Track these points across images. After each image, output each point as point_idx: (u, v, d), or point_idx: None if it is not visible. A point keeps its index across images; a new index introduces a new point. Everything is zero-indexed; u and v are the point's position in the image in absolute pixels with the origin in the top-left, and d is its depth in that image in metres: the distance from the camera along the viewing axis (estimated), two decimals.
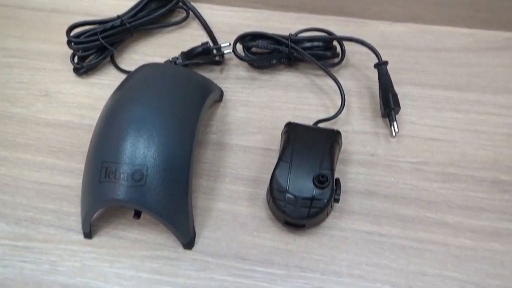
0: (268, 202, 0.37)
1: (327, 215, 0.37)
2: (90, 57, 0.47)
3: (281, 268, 0.36)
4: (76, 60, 0.47)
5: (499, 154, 0.42)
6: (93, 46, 0.46)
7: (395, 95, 0.42)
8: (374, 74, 0.46)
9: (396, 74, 0.46)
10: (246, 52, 0.46)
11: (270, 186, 0.36)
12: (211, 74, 0.47)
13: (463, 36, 0.50)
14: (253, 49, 0.47)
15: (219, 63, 0.47)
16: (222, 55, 0.47)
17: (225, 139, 0.43)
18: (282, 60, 0.46)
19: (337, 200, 0.36)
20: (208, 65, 0.47)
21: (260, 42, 0.45)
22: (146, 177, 0.33)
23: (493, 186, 0.40)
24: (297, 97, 0.46)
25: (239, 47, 0.46)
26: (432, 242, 0.37)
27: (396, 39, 0.50)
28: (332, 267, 0.36)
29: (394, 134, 0.42)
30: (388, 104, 0.42)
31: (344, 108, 0.43)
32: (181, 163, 0.35)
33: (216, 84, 0.44)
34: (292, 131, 0.39)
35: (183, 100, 0.38)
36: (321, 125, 0.42)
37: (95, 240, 0.38)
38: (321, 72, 0.47)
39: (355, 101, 0.45)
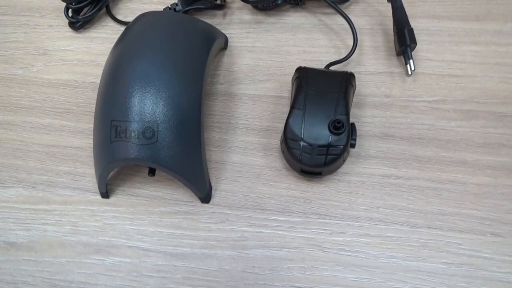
0: (283, 152, 0.37)
1: (344, 161, 0.36)
2: (85, 9, 0.45)
3: (300, 216, 0.36)
4: (70, 13, 0.44)
5: None
6: None
7: (411, 30, 0.40)
8: (386, 9, 0.43)
9: (410, 6, 0.43)
10: None
11: (284, 135, 0.35)
12: (214, 20, 0.45)
13: None
14: None
15: (221, 7, 0.44)
16: None
17: (233, 89, 0.42)
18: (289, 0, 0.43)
19: (353, 145, 0.35)
20: (210, 10, 0.45)
21: None
22: (157, 134, 0.32)
23: None
24: (306, 39, 0.43)
25: None
26: (450, 182, 0.37)
27: None
28: (350, 212, 0.36)
29: (410, 72, 0.40)
30: (404, 41, 0.40)
31: (356, 48, 0.41)
32: (191, 116, 0.34)
33: (220, 31, 0.42)
34: (304, 76, 0.37)
35: (187, 50, 0.36)
36: (333, 67, 0.40)
37: (112, 199, 0.38)
38: (330, 11, 0.44)
39: (367, 39, 0.43)
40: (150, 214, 0.37)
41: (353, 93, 0.38)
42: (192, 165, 0.35)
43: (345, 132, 0.34)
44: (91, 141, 0.39)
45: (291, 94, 0.39)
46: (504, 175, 0.37)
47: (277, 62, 0.42)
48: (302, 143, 0.34)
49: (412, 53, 0.41)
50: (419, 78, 0.41)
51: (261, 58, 0.43)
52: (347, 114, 0.35)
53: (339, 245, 0.35)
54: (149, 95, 0.32)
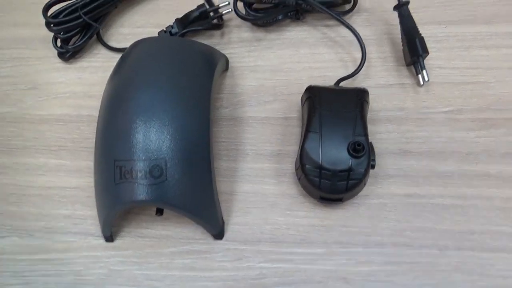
0: (299, 179, 0.34)
1: (365, 184, 0.34)
2: (74, 38, 0.42)
3: (320, 246, 0.34)
4: (59, 43, 0.42)
5: None
6: (75, 25, 0.41)
7: (422, 39, 0.38)
8: (391, 17, 0.41)
9: (415, 13, 0.41)
10: (247, 9, 0.41)
11: (301, 161, 0.33)
12: (212, 41, 0.42)
13: None
14: (255, 5, 0.41)
15: (219, 26, 0.42)
16: (221, 17, 0.42)
17: (238, 113, 0.39)
18: (289, 14, 0.41)
19: (373, 166, 0.33)
20: (207, 31, 0.42)
21: None
22: (166, 172, 0.30)
23: None
24: (311, 54, 0.41)
25: (239, 4, 0.41)
26: (475, 197, 0.35)
27: None
28: (374, 238, 0.34)
29: (422, 83, 0.38)
30: (416, 51, 0.38)
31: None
32: (200, 148, 0.32)
33: (220, 52, 0.40)
34: (315, 96, 0.35)
35: (190, 76, 0.34)
36: (342, 84, 0.38)
37: (117, 242, 0.35)
38: (332, 23, 0.42)
39: (374, 50, 0.41)
40: (159, 256, 0.34)
41: (368, 109, 0.36)
42: (204, 201, 0.32)
43: (366, 154, 0.32)
44: (91, 180, 0.36)
45: (302, 115, 0.36)
46: None
47: (282, 81, 0.40)
48: (321, 169, 0.32)
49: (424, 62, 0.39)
50: (431, 88, 0.39)
51: (265, 78, 0.41)
52: (366, 135, 0.33)
53: (366, 276, 0.33)
54: (154, 129, 0.30)
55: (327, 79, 0.40)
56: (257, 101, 0.40)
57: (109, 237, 0.34)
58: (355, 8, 0.42)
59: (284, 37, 0.42)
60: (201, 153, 0.32)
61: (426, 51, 0.38)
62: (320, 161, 0.32)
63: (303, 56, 0.41)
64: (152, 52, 0.35)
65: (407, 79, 0.40)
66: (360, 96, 0.35)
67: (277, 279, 0.33)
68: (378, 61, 0.41)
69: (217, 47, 0.41)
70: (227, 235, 0.35)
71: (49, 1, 0.41)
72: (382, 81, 0.40)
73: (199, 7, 0.41)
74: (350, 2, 0.42)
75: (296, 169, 0.34)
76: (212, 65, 0.37)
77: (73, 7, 0.41)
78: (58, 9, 0.41)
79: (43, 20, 0.41)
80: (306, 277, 0.33)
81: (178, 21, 0.41)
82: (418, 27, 0.40)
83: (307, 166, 0.32)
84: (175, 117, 0.31)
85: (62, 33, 0.41)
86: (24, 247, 0.35)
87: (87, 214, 0.36)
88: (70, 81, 0.42)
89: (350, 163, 0.32)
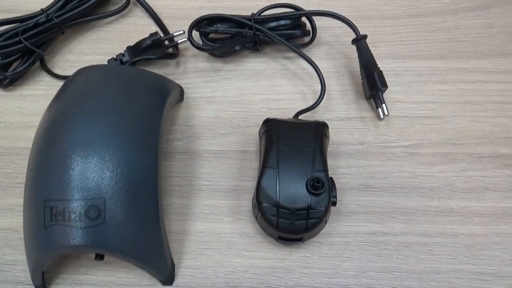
0: (256, 218, 0.32)
1: (326, 222, 0.32)
2: (14, 64, 0.39)
3: None
4: None
5: (494, 125, 0.38)
6: (16, 50, 0.38)
7: (380, 73, 0.38)
8: (350, 51, 0.41)
9: (374, 47, 0.41)
10: (204, 39, 0.39)
11: (257, 199, 0.30)
12: (166, 70, 0.40)
13: None
14: (211, 35, 0.40)
15: (173, 56, 0.40)
16: (176, 46, 0.40)
17: (193, 146, 0.37)
18: (247, 45, 0.40)
19: (334, 203, 0.31)
20: (161, 60, 0.40)
21: (219, 27, 0.39)
22: (104, 213, 0.26)
23: (493, 162, 0.37)
24: (269, 86, 0.40)
25: (195, 34, 0.39)
26: (439, 234, 0.34)
27: (368, 9, 0.45)
28: (337, 280, 0.32)
29: (382, 116, 0.38)
30: (374, 84, 0.37)
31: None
32: (146, 185, 0.29)
33: (174, 82, 0.38)
34: (273, 129, 0.33)
35: (137, 107, 0.31)
36: (302, 116, 0.37)
37: None
38: (291, 54, 0.41)
39: (333, 83, 0.40)
40: None
41: (328, 144, 0.35)
42: (149, 243, 0.29)
43: (325, 192, 0.30)
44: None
45: (260, 149, 0.34)
46: (493, 222, 0.34)
47: (240, 113, 0.38)
48: (278, 208, 0.30)
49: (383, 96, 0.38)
50: (392, 122, 0.38)
51: (222, 109, 0.39)
52: (326, 170, 0.31)
53: None
54: (92, 165, 0.27)
55: (286, 112, 0.38)
56: (213, 133, 0.38)
57: (41, 287, 0.30)
58: (314, 41, 0.42)
59: (242, 68, 0.41)
60: (146, 190, 0.29)
61: (385, 85, 0.37)
62: (278, 199, 0.30)
63: (262, 88, 0.40)
64: (97, 80, 0.32)
65: (367, 112, 0.39)
66: (319, 130, 0.33)
67: None
68: (338, 94, 0.40)
69: (172, 77, 0.39)
70: (178, 279, 0.32)
71: None
72: (342, 114, 0.39)
73: (151, 35, 0.39)
74: (309, 35, 0.41)
75: (253, 207, 0.32)
76: (163, 95, 0.34)
77: (13, 32, 0.38)
78: None
79: None
80: None
81: (129, 49, 0.39)
82: (377, 61, 0.39)
83: (263, 204, 0.30)
84: (117, 152, 0.28)
85: (0, 58, 0.37)
86: None
87: (17, 259, 0.32)
88: (7, 110, 0.38)
89: (309, 201, 0.30)
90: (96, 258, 0.29)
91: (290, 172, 0.31)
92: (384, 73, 0.40)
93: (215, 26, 0.39)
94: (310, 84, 0.40)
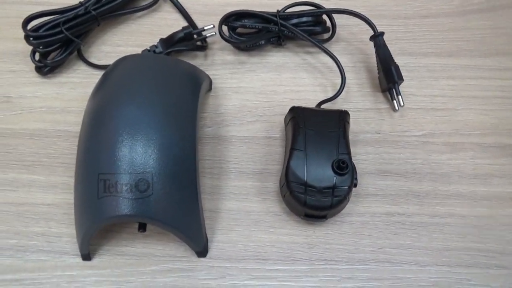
0: (284, 196, 0.35)
1: (348, 201, 0.35)
2: (54, 53, 0.41)
3: (305, 263, 0.34)
4: (37, 57, 0.41)
5: (498, 118, 0.41)
6: (56, 40, 0.40)
7: (397, 67, 0.40)
8: (367, 47, 0.44)
9: (388, 45, 0.44)
10: (231, 33, 0.42)
11: (286, 178, 0.33)
12: (196, 62, 0.43)
13: (447, 0, 0.48)
14: (238, 30, 0.43)
15: (203, 48, 0.43)
16: (205, 39, 0.42)
17: (222, 132, 0.40)
18: (271, 39, 0.43)
19: (355, 185, 0.34)
20: (191, 52, 0.43)
21: (247, 22, 0.41)
22: (152, 186, 0.29)
23: (499, 151, 0.40)
24: (291, 78, 0.43)
25: (224, 28, 0.42)
26: (450, 216, 0.37)
27: (381, 9, 0.48)
28: (356, 255, 0.35)
29: (397, 108, 0.41)
30: (392, 78, 0.40)
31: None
32: (187, 163, 0.31)
33: (204, 72, 0.40)
34: (300, 116, 0.36)
35: (176, 93, 0.34)
36: (323, 106, 0.39)
37: (95, 261, 0.33)
38: (312, 50, 0.44)
39: (351, 77, 0.43)
40: (140, 275, 0.33)
41: (349, 130, 0.37)
42: (189, 217, 0.32)
43: (349, 172, 0.33)
44: (67, 196, 0.35)
45: (286, 134, 0.37)
46: (500, 206, 0.37)
47: (264, 102, 0.41)
48: (306, 186, 0.32)
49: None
50: (406, 113, 0.41)
51: (248, 99, 0.41)
52: (349, 153, 0.34)
53: None
54: (141, 143, 0.30)
55: (308, 102, 0.41)
56: (240, 120, 0.40)
57: (87, 255, 0.33)
58: (333, 38, 0.44)
59: (266, 61, 0.44)
60: (188, 168, 0.32)
61: (401, 78, 0.40)
62: (305, 178, 0.32)
63: (285, 80, 0.43)
64: (138, 69, 0.35)
65: (382, 104, 0.42)
66: (342, 117, 0.36)
67: None
68: (355, 87, 0.43)
69: (201, 68, 0.41)
70: (211, 252, 0.34)
71: (30, 15, 0.40)
72: (359, 105, 0.42)
73: (184, 28, 0.42)
74: (329, 31, 0.44)
75: (281, 187, 0.35)
76: (198, 84, 0.37)
77: (55, 23, 0.40)
78: (39, 23, 0.40)
79: (18, 35, 0.40)
80: None
81: (162, 41, 0.42)
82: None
83: (292, 183, 0.33)
84: (162, 132, 0.31)
85: (41, 47, 0.40)
86: None
87: (62, 232, 0.34)
88: (47, 96, 0.41)
89: (334, 181, 0.32)
90: (139, 229, 0.32)
91: (316, 154, 0.33)
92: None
93: (243, 21, 0.42)
94: (329, 77, 0.43)
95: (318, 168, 0.33)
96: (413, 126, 0.41)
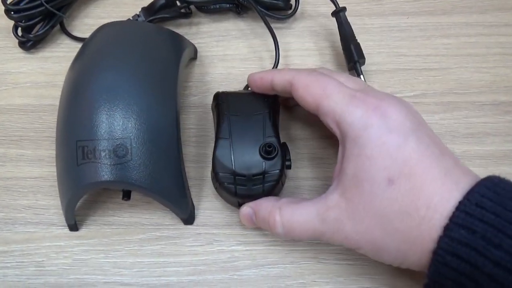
0: (216, 188, 0.33)
1: (282, 185, 0.33)
2: (37, 27, 0.41)
3: None
4: (20, 32, 0.40)
5: (495, 75, 0.40)
6: (38, 13, 0.39)
7: (357, 46, 0.38)
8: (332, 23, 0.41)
9: (379, 5, 0.43)
10: None
11: (214, 170, 0.31)
12: (180, 30, 0.42)
13: None
14: None
15: (187, 15, 0.42)
16: (188, 6, 0.41)
17: (207, 100, 0.39)
18: (229, 6, 0.41)
19: (289, 167, 0.32)
20: (175, 20, 0.42)
21: None
22: (131, 151, 0.29)
23: (494, 109, 0.38)
24: (280, 44, 0.41)
25: None
26: None
27: None
28: None
29: None
30: (352, 57, 0.38)
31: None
32: (167, 129, 0.31)
33: (188, 40, 0.39)
34: (224, 102, 0.33)
35: (156, 59, 0.33)
36: None
37: (82, 231, 0.34)
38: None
39: (316, 59, 0.41)
40: (127, 244, 0.33)
41: (279, 111, 0.35)
42: (172, 183, 0.31)
43: (278, 155, 0.31)
44: (53, 169, 0.35)
45: (214, 123, 0.35)
46: (494, 164, 0.36)
47: (251, 69, 0.40)
48: (235, 175, 0.30)
49: (363, 67, 0.38)
50: (397, 75, 0.40)
51: (234, 66, 0.41)
52: (277, 136, 0.32)
53: (336, 254, 0.33)
54: (119, 109, 0.29)
55: (295, 67, 0.40)
56: (227, 88, 0.39)
57: (73, 226, 0.33)
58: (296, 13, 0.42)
59: (252, 28, 0.42)
60: (168, 134, 0.31)
61: (362, 57, 0.38)
62: (233, 167, 0.31)
63: (272, 45, 0.41)
64: (117, 36, 0.34)
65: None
66: (267, 97, 0.33)
67: (249, 262, 0.32)
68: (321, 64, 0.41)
69: (185, 37, 0.41)
70: (198, 220, 0.34)
71: None
72: None
73: None
74: (291, 8, 0.41)
75: (212, 179, 0.33)
76: (179, 50, 0.36)
77: None
78: None
79: (0, 9, 0.40)
80: (278, 258, 0.33)
81: (144, 9, 0.41)
82: (382, 18, 0.41)
83: (220, 174, 0.31)
84: (140, 97, 0.30)
85: (23, 21, 0.39)
86: None
87: (49, 204, 0.34)
88: (32, 71, 0.40)
89: (263, 166, 0.30)
90: (123, 198, 0.32)
91: (242, 140, 0.31)
92: (389, 28, 0.41)
93: None
94: (320, 41, 0.42)
95: (245, 155, 0.31)
96: (403, 87, 0.39)
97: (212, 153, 0.31)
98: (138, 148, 0.29)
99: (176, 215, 0.33)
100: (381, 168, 0.25)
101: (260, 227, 0.31)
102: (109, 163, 0.28)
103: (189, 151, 0.36)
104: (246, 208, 0.31)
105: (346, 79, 0.31)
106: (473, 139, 0.37)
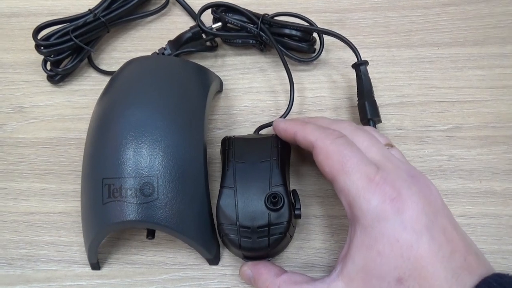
0: (222, 238, 0.31)
1: (291, 237, 0.31)
2: (65, 61, 0.41)
3: (322, 269, 0.32)
4: (48, 66, 0.41)
5: None
6: (66, 47, 0.40)
7: (373, 102, 0.36)
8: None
9: (407, 36, 0.42)
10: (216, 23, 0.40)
11: (218, 220, 0.30)
12: (205, 63, 0.42)
13: None
14: (229, 25, 0.40)
15: (212, 49, 0.42)
16: (214, 39, 0.41)
17: (233, 133, 0.38)
18: (252, 42, 0.40)
19: (298, 216, 0.30)
20: (201, 53, 0.42)
21: (229, 16, 0.39)
22: (157, 189, 0.28)
23: None
24: (306, 76, 0.41)
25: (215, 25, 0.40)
26: (482, 215, 0.34)
27: None
28: None
29: None
30: (365, 114, 0.35)
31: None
32: (194, 166, 0.30)
33: (214, 73, 0.39)
34: (230, 148, 0.32)
35: (183, 94, 0.33)
36: (264, 131, 0.36)
37: (105, 270, 0.32)
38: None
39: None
40: (150, 284, 0.32)
41: (289, 156, 0.34)
42: (198, 222, 0.30)
43: (285, 206, 0.29)
44: (77, 204, 0.34)
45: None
46: None
47: (276, 102, 0.40)
48: (239, 227, 0.29)
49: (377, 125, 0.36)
50: (429, 107, 0.39)
51: (260, 99, 0.40)
52: (285, 184, 0.30)
53: None
54: (145, 146, 0.28)
55: (322, 100, 0.39)
56: (252, 121, 0.39)
57: (96, 264, 0.32)
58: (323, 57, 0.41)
59: (278, 60, 0.42)
60: (195, 172, 0.30)
61: (376, 116, 0.35)
62: (237, 219, 0.29)
63: (299, 78, 0.41)
64: (144, 70, 0.34)
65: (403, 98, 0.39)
66: (275, 144, 0.32)
67: None
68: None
69: (211, 70, 0.40)
70: (223, 260, 0.33)
71: (40, 24, 0.40)
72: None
73: (192, 28, 0.41)
74: (314, 52, 0.40)
75: (217, 230, 0.31)
76: (206, 85, 0.36)
77: (64, 31, 0.40)
78: (49, 32, 0.40)
79: (30, 45, 0.40)
80: None
81: (170, 43, 0.41)
82: (412, 50, 0.40)
83: (224, 225, 0.29)
84: (167, 134, 0.30)
85: (52, 55, 0.40)
86: (2, 277, 0.32)
87: (72, 241, 0.34)
88: (59, 104, 0.41)
89: (269, 217, 0.29)
90: (147, 236, 0.31)
91: (248, 190, 0.30)
92: (418, 60, 0.40)
93: (227, 14, 0.39)
94: (344, 73, 0.41)
95: (250, 205, 0.29)
96: (436, 120, 0.38)
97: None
98: (165, 186, 0.28)
99: (201, 255, 0.32)
100: (392, 267, 0.25)
101: None
102: (135, 202, 0.27)
103: (215, 186, 0.35)
104: (247, 269, 0.30)
105: (370, 143, 0.29)
106: None
